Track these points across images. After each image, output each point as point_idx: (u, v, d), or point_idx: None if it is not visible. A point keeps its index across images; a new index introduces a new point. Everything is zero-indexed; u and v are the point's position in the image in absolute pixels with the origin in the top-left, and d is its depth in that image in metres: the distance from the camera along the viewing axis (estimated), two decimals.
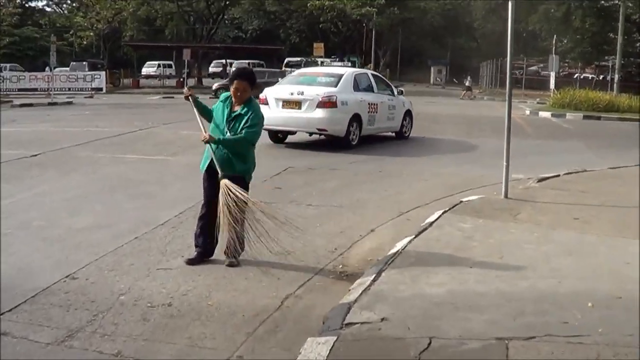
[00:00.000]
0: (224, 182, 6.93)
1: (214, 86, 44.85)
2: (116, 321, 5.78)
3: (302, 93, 16.70)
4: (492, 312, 5.51)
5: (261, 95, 17.13)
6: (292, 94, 16.88)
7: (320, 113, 16.40)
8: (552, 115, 30.66)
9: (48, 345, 5.32)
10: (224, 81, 45.31)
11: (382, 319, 5.31)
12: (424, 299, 5.82)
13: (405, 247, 7.52)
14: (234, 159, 7.25)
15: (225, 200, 6.81)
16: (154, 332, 5.57)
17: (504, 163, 10.42)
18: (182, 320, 5.82)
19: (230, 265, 7.26)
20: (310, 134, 17.60)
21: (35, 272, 7.02)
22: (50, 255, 7.66)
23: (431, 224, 8.59)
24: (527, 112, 32.45)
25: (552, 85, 41.52)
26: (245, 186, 7.29)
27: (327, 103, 16.37)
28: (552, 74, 42.92)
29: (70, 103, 36.19)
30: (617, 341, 4.97)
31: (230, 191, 6.81)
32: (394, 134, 19.54)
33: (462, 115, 29.14)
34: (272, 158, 14.45)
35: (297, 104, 16.66)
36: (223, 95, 7.54)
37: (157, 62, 69.27)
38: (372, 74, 19.73)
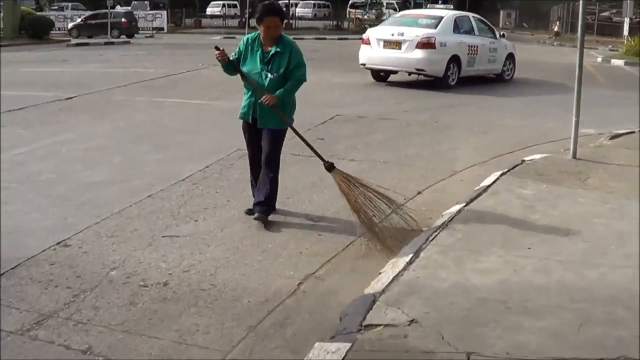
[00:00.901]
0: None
1: (70, 25, 42.59)
2: (98, 304, 4.88)
3: (402, 34, 17.22)
4: (552, 316, 4.32)
5: (364, 36, 18.51)
6: (392, 34, 17.46)
7: (419, 54, 16.87)
8: (626, 63, 28.65)
9: (9, 335, 4.45)
10: (77, 21, 42.85)
11: (411, 322, 4.19)
12: (467, 292, 4.67)
13: (454, 217, 6.38)
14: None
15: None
16: (137, 322, 4.62)
17: (574, 118, 9.13)
18: (175, 307, 4.86)
19: (258, 219, 6.55)
20: (410, 73, 17.85)
21: (26, 237, 6.18)
22: (49, 216, 6.79)
23: (486, 188, 7.40)
24: (599, 60, 30.54)
25: (625, 31, 39.40)
26: (282, 136, 6.69)
27: (426, 44, 16.82)
28: (626, 20, 40.77)
29: (127, 42, 35.75)
30: None
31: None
32: (494, 76, 19.49)
33: (533, 61, 27.37)
34: (322, 104, 13.27)
35: (397, 44, 17.22)
36: (247, 37, 6.67)
37: (221, 2, 68.23)
38: (474, 17, 19.52)
